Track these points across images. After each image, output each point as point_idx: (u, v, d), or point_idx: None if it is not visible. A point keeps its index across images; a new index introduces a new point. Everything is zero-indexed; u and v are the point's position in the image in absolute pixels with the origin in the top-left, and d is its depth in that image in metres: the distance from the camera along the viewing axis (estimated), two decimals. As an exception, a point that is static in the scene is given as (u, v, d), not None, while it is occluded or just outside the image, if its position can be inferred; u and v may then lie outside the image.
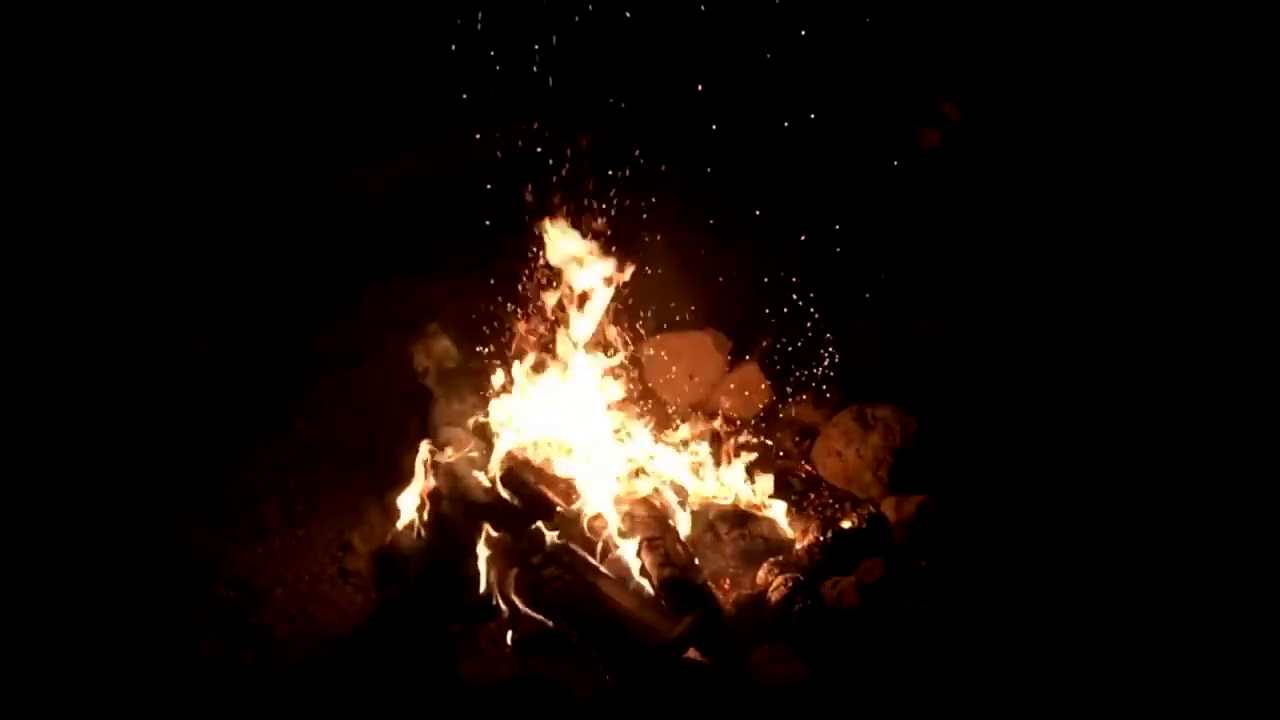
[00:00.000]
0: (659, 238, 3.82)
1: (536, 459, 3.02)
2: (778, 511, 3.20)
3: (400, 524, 3.02)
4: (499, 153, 3.85)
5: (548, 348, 3.31)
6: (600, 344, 3.32)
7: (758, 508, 3.21)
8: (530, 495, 2.89)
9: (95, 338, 4.22)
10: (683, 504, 3.10)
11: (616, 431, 3.28)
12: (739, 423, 3.66)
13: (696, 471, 3.29)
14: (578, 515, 2.91)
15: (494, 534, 2.86)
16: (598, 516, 2.92)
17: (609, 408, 3.31)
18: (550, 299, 3.27)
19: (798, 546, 3.06)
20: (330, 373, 4.01)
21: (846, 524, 3.08)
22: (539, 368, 3.29)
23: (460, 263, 4.53)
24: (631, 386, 3.58)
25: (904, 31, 4.58)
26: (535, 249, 3.29)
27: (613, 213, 3.37)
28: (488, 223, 4.09)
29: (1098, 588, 2.84)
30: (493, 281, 4.03)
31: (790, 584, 2.82)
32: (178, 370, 4.07)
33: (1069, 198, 4.24)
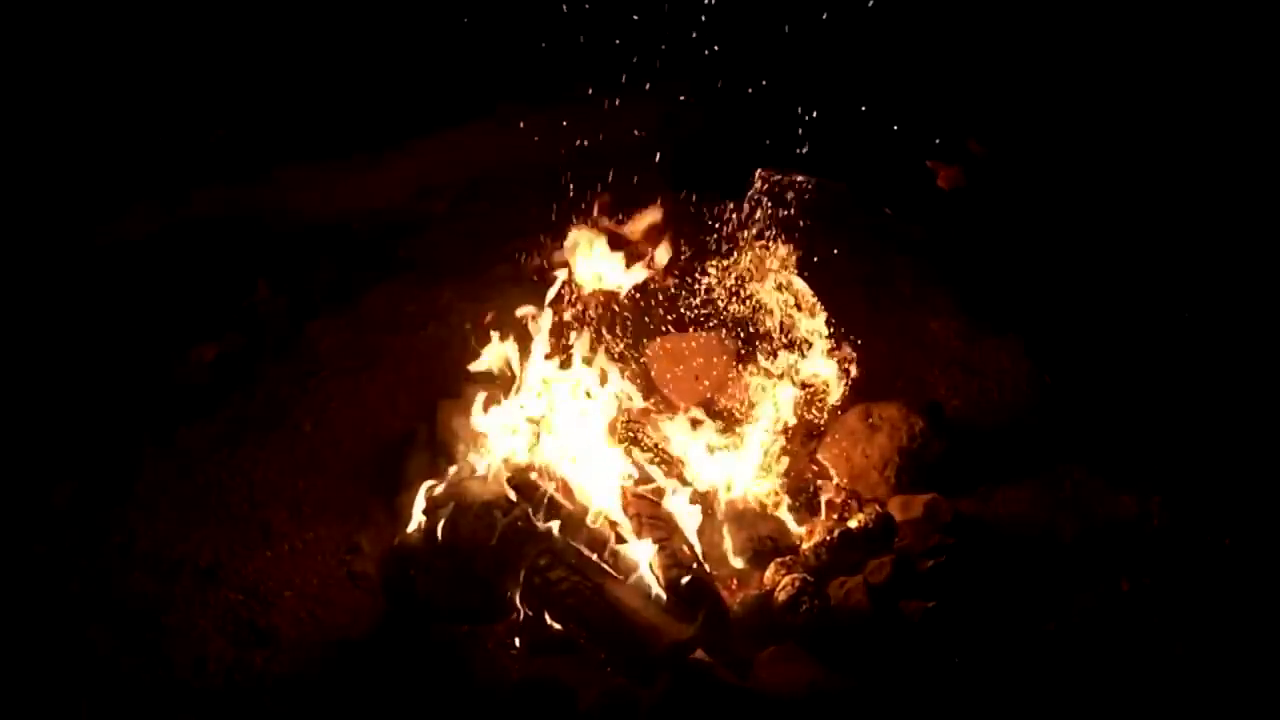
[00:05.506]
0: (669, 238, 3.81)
1: (543, 462, 3.03)
2: (785, 511, 3.20)
3: (408, 527, 3.02)
4: (501, 154, 3.85)
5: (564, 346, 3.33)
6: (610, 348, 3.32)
7: (765, 507, 3.21)
8: (538, 498, 2.89)
9: (100, 341, 4.24)
10: (689, 504, 3.10)
11: (624, 433, 3.28)
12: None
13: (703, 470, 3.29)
14: (585, 517, 2.92)
15: (501, 536, 2.86)
16: (605, 518, 2.92)
17: (618, 410, 3.32)
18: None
19: (805, 546, 3.06)
20: (336, 376, 4.02)
21: (854, 524, 3.07)
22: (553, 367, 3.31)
23: (465, 265, 4.53)
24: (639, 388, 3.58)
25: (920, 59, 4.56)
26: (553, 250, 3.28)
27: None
28: (492, 223, 4.10)
29: (1105, 586, 2.83)
30: (496, 277, 4.05)
31: (797, 584, 2.82)
32: (183, 374, 4.08)
33: (1074, 199, 4.24)
